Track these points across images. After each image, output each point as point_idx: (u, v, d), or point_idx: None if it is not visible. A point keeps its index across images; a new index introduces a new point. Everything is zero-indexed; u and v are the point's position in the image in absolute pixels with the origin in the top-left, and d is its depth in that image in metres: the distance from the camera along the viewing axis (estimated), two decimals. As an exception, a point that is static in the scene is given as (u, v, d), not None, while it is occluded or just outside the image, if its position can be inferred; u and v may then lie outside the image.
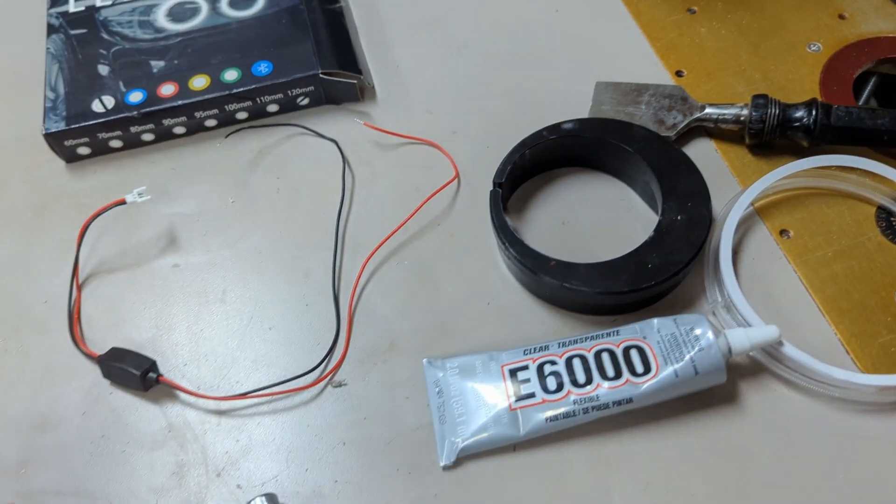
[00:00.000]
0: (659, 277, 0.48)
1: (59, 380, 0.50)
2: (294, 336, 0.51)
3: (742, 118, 0.57)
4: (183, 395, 0.48)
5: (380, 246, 0.54)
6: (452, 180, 0.57)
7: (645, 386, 0.45)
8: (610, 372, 0.45)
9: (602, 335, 0.47)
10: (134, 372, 0.47)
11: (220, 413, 0.48)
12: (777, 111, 0.55)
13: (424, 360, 0.49)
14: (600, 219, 0.55)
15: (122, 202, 0.52)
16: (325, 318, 0.51)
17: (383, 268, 0.54)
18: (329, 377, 0.49)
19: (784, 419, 0.46)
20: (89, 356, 0.49)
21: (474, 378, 0.47)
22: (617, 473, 0.45)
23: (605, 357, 0.46)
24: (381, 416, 0.47)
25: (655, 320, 0.47)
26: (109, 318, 0.52)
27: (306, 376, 0.48)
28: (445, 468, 0.45)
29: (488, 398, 0.46)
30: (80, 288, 0.53)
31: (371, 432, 0.47)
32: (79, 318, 0.52)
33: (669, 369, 0.45)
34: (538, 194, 0.56)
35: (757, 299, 0.49)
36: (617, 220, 0.55)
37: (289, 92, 0.60)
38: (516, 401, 0.45)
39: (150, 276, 0.54)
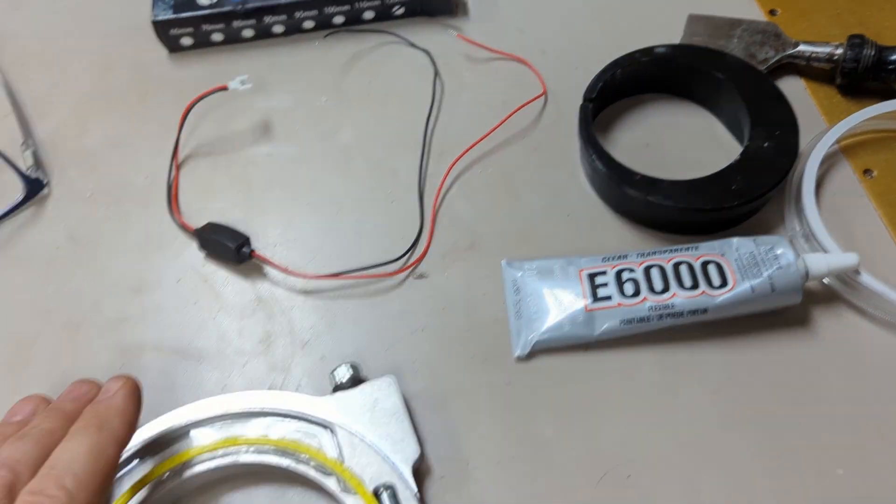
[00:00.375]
0: (742, 199, 0.49)
1: (156, 249, 0.52)
2: (379, 229, 0.53)
3: (836, 57, 0.57)
4: (273, 272, 0.50)
5: (465, 153, 0.55)
6: (539, 96, 0.58)
7: (720, 298, 0.46)
8: (687, 282, 0.46)
9: (680, 249, 0.48)
10: (229, 245, 0.49)
11: (308, 292, 0.50)
12: (873, 52, 0.55)
13: (503, 260, 0.51)
14: (683, 144, 0.56)
15: (224, 88, 0.54)
16: (409, 215, 0.53)
17: (467, 174, 0.55)
18: (412, 268, 0.51)
19: (855, 347, 0.47)
20: (186, 229, 0.52)
21: (552, 279, 0.48)
22: (685, 379, 0.46)
23: (683, 269, 0.47)
24: (459, 308, 0.49)
25: (735, 239, 0.48)
26: (204, 198, 0.54)
27: (391, 265, 0.50)
28: (518, 359, 0.47)
29: (565, 298, 0.47)
30: (178, 168, 0.56)
31: (449, 321, 0.49)
32: (177, 194, 0.54)
33: (746, 284, 0.46)
34: (624, 116, 0.57)
35: (836, 233, 0.50)
36: (700, 146, 0.55)
37: (385, 0, 0.61)
38: (592, 302, 0.47)
39: (245, 163, 0.56)
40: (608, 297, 0.47)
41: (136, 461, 0.42)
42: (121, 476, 0.41)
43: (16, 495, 0.32)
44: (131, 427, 0.36)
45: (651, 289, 0.47)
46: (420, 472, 0.42)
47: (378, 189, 0.55)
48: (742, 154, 0.51)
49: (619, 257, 0.49)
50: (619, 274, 0.48)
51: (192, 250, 0.52)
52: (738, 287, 0.46)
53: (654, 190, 0.49)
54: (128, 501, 0.40)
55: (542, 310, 0.48)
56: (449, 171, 0.55)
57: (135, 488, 0.40)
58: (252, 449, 0.42)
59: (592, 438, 0.44)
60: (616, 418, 0.45)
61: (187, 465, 0.42)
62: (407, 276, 0.51)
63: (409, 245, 0.51)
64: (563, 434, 0.45)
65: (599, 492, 0.43)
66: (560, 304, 0.47)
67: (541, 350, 0.47)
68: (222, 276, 0.51)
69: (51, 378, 0.47)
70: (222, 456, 0.42)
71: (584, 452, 0.44)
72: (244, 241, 0.50)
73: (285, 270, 0.49)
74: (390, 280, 0.50)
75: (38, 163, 0.55)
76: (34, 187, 0.53)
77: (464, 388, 0.46)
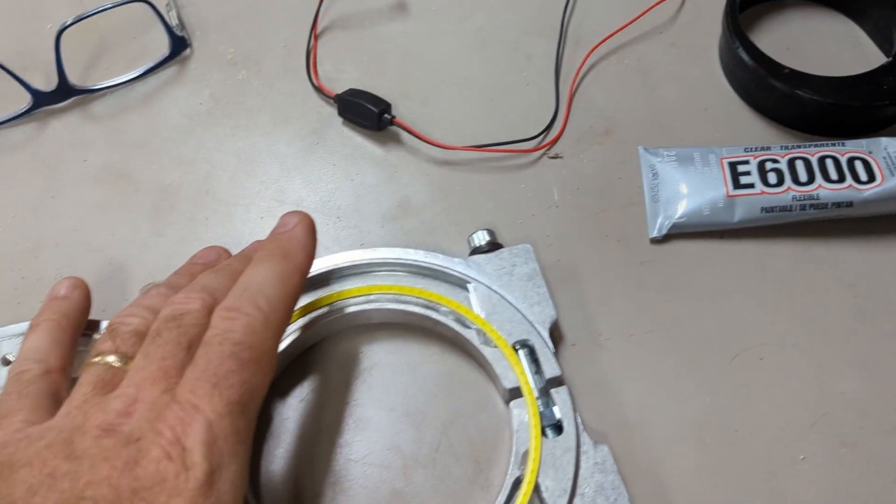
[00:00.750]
0: (894, 98, 0.48)
1: (296, 112, 0.53)
2: (514, 109, 0.53)
3: None
4: (411, 141, 0.51)
5: (602, 42, 0.55)
6: (679, -7, 0.57)
7: (867, 192, 0.45)
8: (833, 175, 0.46)
9: (826, 144, 0.48)
10: (372, 108, 0.50)
11: (445, 162, 0.51)
12: None
13: (640, 147, 0.50)
14: (825, 50, 0.54)
15: (368, -40, 0.54)
16: (544, 98, 0.53)
17: (603, 63, 0.55)
18: (547, 148, 0.51)
19: None
20: (326, 94, 0.53)
21: (691, 166, 0.48)
22: (822, 273, 0.46)
23: (829, 162, 0.47)
24: (594, 189, 0.49)
25: (884, 139, 0.47)
26: (341, 70, 0.55)
27: (526, 142, 0.50)
28: (653, 241, 0.47)
29: (704, 185, 0.47)
30: (317, 38, 0.56)
31: (583, 201, 0.49)
32: (315, 62, 0.55)
33: (894, 181, 0.45)
34: (764, 20, 0.56)
35: None
36: (842, 53, 0.54)
37: None
38: (734, 188, 0.46)
39: (381, 39, 0.56)
40: (750, 185, 0.47)
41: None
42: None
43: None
44: (311, 258, 0.38)
45: (795, 180, 0.46)
46: (553, 337, 0.43)
47: (512, 72, 0.55)
48: (894, 55, 0.50)
49: (762, 149, 0.48)
50: (762, 164, 0.47)
51: (331, 116, 0.53)
52: (887, 182, 0.45)
53: (803, 83, 0.49)
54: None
55: (680, 195, 0.47)
56: (586, 60, 0.55)
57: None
58: (394, 298, 0.43)
59: (725, 321, 0.45)
60: (750, 304, 0.45)
61: (332, 307, 0.43)
62: (542, 156, 0.51)
63: (545, 126, 0.52)
64: (697, 314, 0.45)
65: (731, 370, 0.43)
66: (699, 189, 0.47)
67: (676, 234, 0.47)
68: (360, 142, 0.52)
69: (194, 223, 0.49)
70: (365, 302, 0.43)
71: (717, 333, 0.44)
72: (386, 106, 0.50)
73: (425, 139, 0.50)
74: (525, 157, 0.51)
75: (181, 23, 0.56)
76: (179, 45, 0.55)
77: (597, 265, 0.47)
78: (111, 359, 0.33)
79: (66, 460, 0.28)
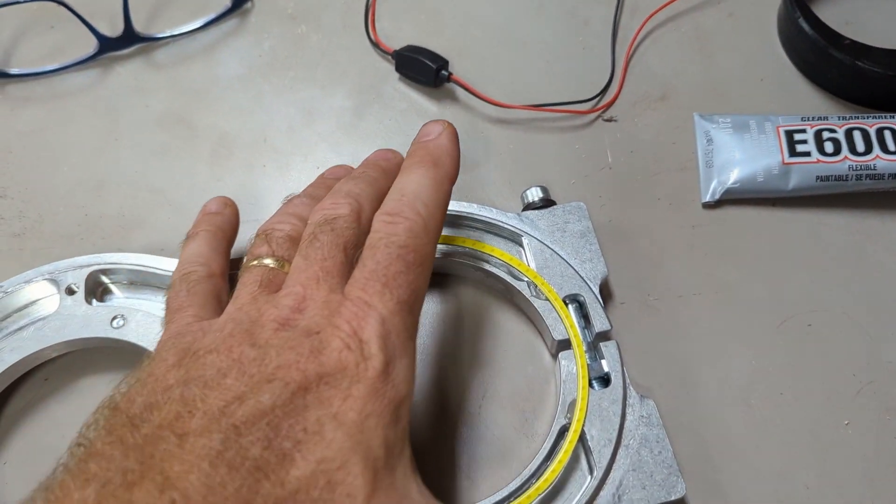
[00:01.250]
0: (958, 74, 0.47)
1: (353, 67, 0.54)
2: (570, 72, 0.53)
3: None
4: (467, 98, 0.52)
5: (660, 9, 0.55)
6: (740, -37, 0.57)
7: (926, 165, 0.45)
8: (891, 146, 0.46)
9: (885, 117, 0.47)
10: (430, 64, 0.50)
11: (500, 120, 0.51)
12: None
13: (695, 114, 0.50)
14: (886, 22, 0.54)
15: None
16: (600, 62, 0.54)
17: (660, 30, 0.55)
18: (602, 110, 0.51)
19: None
20: (384, 49, 0.53)
21: (747, 133, 0.48)
22: (875, 245, 0.46)
23: (888, 133, 0.46)
24: (647, 153, 0.50)
25: (945, 113, 0.47)
26: (399, 28, 0.56)
27: (582, 104, 0.51)
28: (706, 206, 0.48)
29: (760, 152, 0.47)
30: (376, -5, 0.57)
31: (636, 164, 0.49)
32: (374, 18, 0.56)
33: (955, 154, 0.45)
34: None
35: None
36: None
37: None
38: (790, 156, 0.46)
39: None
40: (806, 153, 0.47)
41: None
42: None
43: (363, 222, 0.35)
44: (458, 166, 0.38)
45: (852, 149, 0.46)
46: (602, 295, 0.43)
47: (569, 35, 0.55)
48: (960, 31, 0.49)
49: (820, 118, 0.48)
50: (818, 133, 0.47)
51: (387, 71, 0.53)
52: (946, 156, 0.45)
53: (864, 55, 0.48)
54: None
55: (734, 161, 0.48)
56: (643, 26, 0.55)
57: None
58: (447, 248, 0.44)
59: (775, 287, 0.45)
60: (800, 272, 0.45)
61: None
62: (596, 118, 0.51)
63: (600, 90, 0.52)
64: (747, 279, 0.45)
65: (779, 335, 0.43)
66: (754, 156, 0.47)
67: (730, 199, 0.47)
68: (416, 98, 0.52)
69: (251, 170, 0.50)
70: (419, 251, 0.44)
71: (766, 298, 0.44)
72: (443, 63, 0.51)
73: (482, 96, 0.50)
74: (580, 119, 0.51)
75: (244, -24, 0.57)
76: (240, -1, 0.55)
77: (648, 227, 0.47)
78: (268, 261, 0.34)
79: (251, 347, 0.29)
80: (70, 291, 0.43)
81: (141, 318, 0.42)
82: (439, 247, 0.44)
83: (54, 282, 0.43)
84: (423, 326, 0.44)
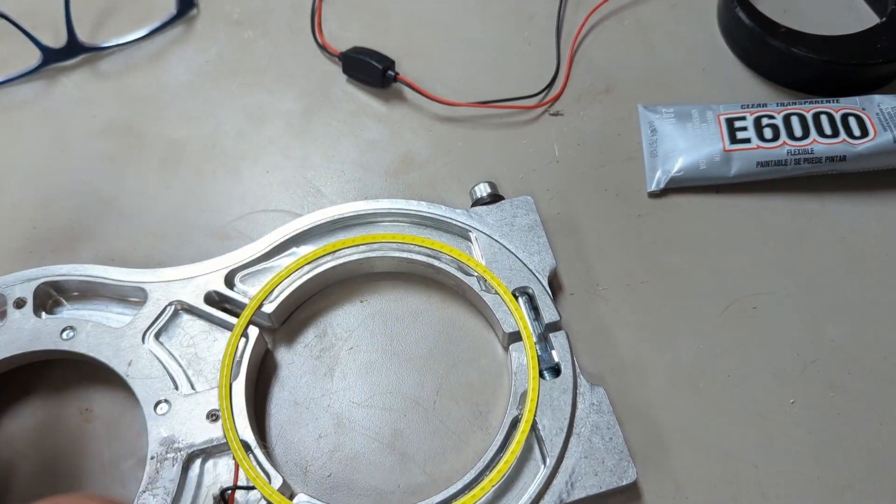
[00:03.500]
0: (887, 57, 0.49)
1: (300, 71, 0.54)
2: (515, 67, 0.54)
3: None
4: (414, 98, 0.52)
5: (602, 3, 0.56)
6: (680, -45, 0.58)
7: (860, 147, 0.46)
8: (827, 130, 0.47)
9: (821, 101, 0.48)
10: (376, 65, 0.51)
11: (447, 119, 0.52)
12: None
13: (639, 105, 0.51)
14: (821, 11, 0.55)
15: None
16: (545, 57, 0.54)
17: (604, 24, 0.56)
18: (548, 105, 0.52)
19: None
20: (330, 52, 0.54)
21: (689, 122, 0.49)
22: (814, 226, 0.47)
23: (824, 118, 0.48)
24: (594, 145, 0.50)
25: (877, 96, 0.48)
26: (345, 29, 0.56)
27: (528, 99, 0.51)
28: (651, 195, 0.48)
29: (702, 140, 0.48)
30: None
31: (583, 156, 0.50)
32: (320, 21, 0.56)
33: (888, 135, 0.46)
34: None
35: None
36: (837, 14, 0.55)
37: None
38: (731, 143, 0.47)
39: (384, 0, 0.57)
40: (747, 140, 0.48)
41: (291, 248, 0.44)
42: (274, 262, 0.44)
43: None
44: None
45: (790, 135, 0.47)
46: (552, 287, 0.44)
47: (514, 31, 0.56)
48: (888, 16, 0.50)
49: (759, 105, 0.49)
50: (758, 120, 0.48)
51: (335, 73, 0.54)
52: (880, 137, 0.46)
53: (799, 42, 0.50)
54: (283, 279, 0.43)
55: (678, 150, 0.48)
56: (587, 20, 0.56)
57: (289, 269, 0.43)
58: (398, 246, 0.45)
59: (720, 272, 0.46)
60: (743, 256, 0.46)
61: (335, 255, 0.44)
62: (543, 112, 0.52)
63: (546, 84, 0.52)
64: (692, 265, 0.46)
65: (725, 319, 0.44)
66: (697, 145, 0.48)
67: (674, 188, 0.48)
68: (364, 99, 0.53)
69: (201, 176, 0.50)
70: (369, 250, 0.45)
71: (712, 283, 0.45)
72: (390, 63, 0.51)
73: (428, 95, 0.51)
74: (527, 114, 0.52)
75: (188, -17, 0.57)
76: (186, 5, 0.55)
77: (595, 218, 0.48)
78: None
79: None
80: (19, 305, 0.43)
81: (91, 329, 0.42)
82: (391, 245, 0.44)
83: (1, 296, 0.43)
84: (378, 325, 0.44)
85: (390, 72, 0.51)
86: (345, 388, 0.43)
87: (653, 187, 0.48)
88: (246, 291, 0.43)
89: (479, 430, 0.41)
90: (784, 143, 0.47)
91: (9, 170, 0.50)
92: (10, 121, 0.52)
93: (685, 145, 0.48)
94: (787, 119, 0.47)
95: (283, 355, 0.44)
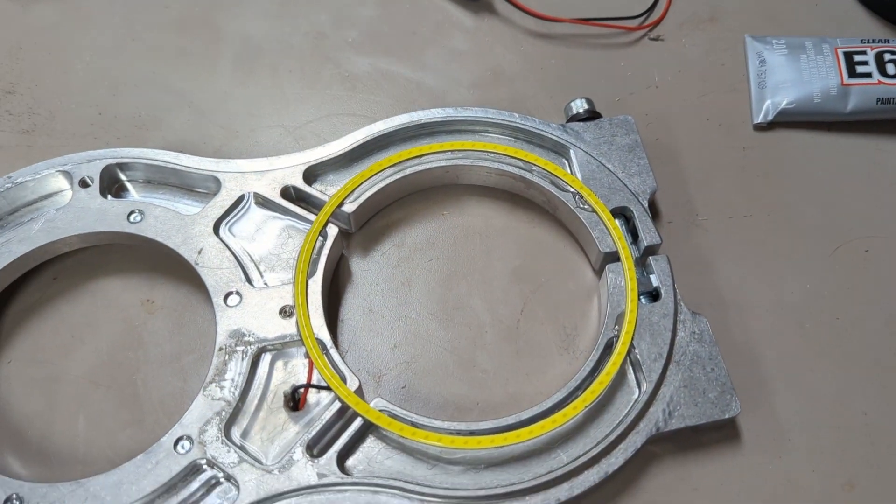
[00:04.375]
0: None
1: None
2: (615, -11, 0.50)
3: None
4: (508, 11, 0.49)
5: (709, -69, 0.52)
6: None
7: None
8: (958, 70, 0.43)
9: (951, 42, 0.45)
10: (470, -28, 0.48)
11: (542, 35, 0.49)
12: None
13: (746, 35, 0.48)
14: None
15: None
16: (647, -19, 0.51)
17: (709, -47, 0.52)
18: (649, 28, 0.49)
19: None
20: (420, -41, 0.50)
21: (803, 54, 0.46)
22: (936, 171, 0.43)
23: (955, 58, 0.44)
24: (695, 73, 0.47)
25: None
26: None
27: (629, 20, 0.48)
28: (757, 127, 0.45)
29: (817, 73, 0.45)
30: None
31: (684, 84, 0.47)
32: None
33: None
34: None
35: None
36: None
37: None
38: (849, 77, 0.44)
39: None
40: (867, 75, 0.44)
41: (374, 153, 0.42)
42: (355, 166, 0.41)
43: None
44: None
45: (916, 72, 0.44)
46: (650, 212, 0.41)
47: (614, -48, 0.52)
48: None
49: (881, 41, 0.46)
50: (879, 55, 0.45)
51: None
52: None
53: (930, -24, 0.46)
54: (366, 179, 0.40)
55: (789, 81, 0.45)
56: (692, -55, 0.52)
57: (372, 169, 0.40)
58: (488, 156, 0.42)
59: (830, 211, 0.42)
60: (856, 197, 0.43)
61: (420, 160, 0.41)
62: (643, 36, 0.49)
63: (648, 7, 0.49)
64: (800, 202, 0.43)
65: (835, 260, 0.41)
66: (811, 77, 0.45)
67: (783, 122, 0.45)
68: (452, 10, 0.50)
69: (276, 76, 0.47)
70: (456, 158, 0.42)
71: (822, 222, 0.42)
72: (484, -29, 0.48)
73: (524, 8, 0.48)
74: (625, 36, 0.49)
75: None
76: None
77: (696, 147, 0.45)
78: None
79: None
80: (84, 184, 0.40)
81: (160, 214, 0.39)
82: (480, 154, 0.41)
83: (67, 175, 0.40)
84: (461, 239, 0.41)
85: (484, -22, 0.48)
86: (423, 299, 0.40)
87: (759, 119, 0.45)
88: (325, 190, 0.41)
89: (567, 352, 0.38)
90: (909, 79, 0.43)
91: (76, 54, 0.47)
92: (79, 4, 0.49)
93: (797, 77, 0.45)
94: (911, 56, 0.44)
95: (358, 262, 0.41)
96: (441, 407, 0.37)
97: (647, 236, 0.39)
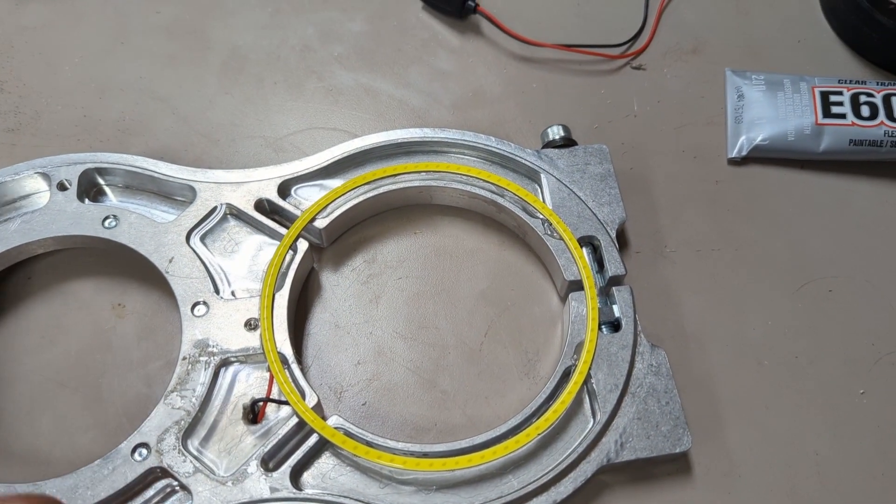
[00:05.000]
0: None
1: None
2: (600, 15, 0.51)
3: None
4: (492, 33, 0.50)
5: (699, -38, 0.53)
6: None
7: (966, 137, 0.43)
8: (931, 116, 0.44)
9: (927, 86, 0.45)
10: (457, -7, 0.48)
11: (524, 58, 0.50)
12: None
13: (727, 69, 0.48)
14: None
15: None
16: (633, 9, 0.51)
17: (697, -17, 0.53)
18: (632, 57, 0.49)
19: None
20: (411, -24, 0.51)
21: (780, 91, 0.46)
22: (904, 214, 0.44)
23: (929, 103, 0.44)
24: (674, 104, 0.48)
25: None
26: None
27: (611, 48, 0.49)
28: (731, 161, 0.46)
29: (792, 111, 0.45)
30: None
31: (662, 114, 0.47)
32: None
33: None
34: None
35: None
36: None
37: None
38: (824, 116, 0.45)
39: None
40: (841, 115, 0.45)
41: (350, 169, 0.42)
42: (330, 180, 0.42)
43: None
44: None
45: (890, 115, 0.44)
46: (619, 242, 0.41)
47: (603, -20, 0.53)
48: None
49: (857, 82, 0.46)
50: (855, 96, 0.45)
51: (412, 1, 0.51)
52: None
53: (909, 20, 0.46)
54: (340, 195, 0.40)
55: (765, 118, 0.46)
56: (680, -24, 0.52)
57: (346, 186, 0.41)
58: (461, 178, 0.42)
59: (797, 250, 0.43)
60: (824, 236, 0.43)
61: (395, 179, 0.42)
62: (625, 64, 0.49)
63: (630, 36, 0.50)
64: (769, 238, 0.43)
65: (798, 298, 0.42)
66: (786, 115, 0.45)
67: (756, 157, 0.46)
68: (439, 29, 0.50)
69: (262, 86, 0.47)
70: (430, 179, 0.42)
71: (788, 260, 0.43)
72: (471, -4, 0.49)
73: (509, 31, 0.48)
74: (608, 63, 0.49)
75: None
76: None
77: (669, 178, 0.45)
78: None
79: None
80: (62, 187, 0.41)
81: (134, 221, 0.40)
82: (454, 176, 0.42)
83: (46, 176, 0.41)
84: (431, 259, 0.42)
85: (471, 2, 0.48)
86: (389, 317, 0.40)
87: (734, 154, 0.45)
88: (298, 204, 0.41)
89: (527, 377, 0.39)
90: (882, 122, 0.44)
91: (65, 55, 0.48)
92: (72, 5, 0.50)
93: (774, 114, 0.45)
94: (886, 99, 0.45)
95: (328, 277, 0.41)
96: (399, 426, 0.38)
97: (613, 266, 0.40)
